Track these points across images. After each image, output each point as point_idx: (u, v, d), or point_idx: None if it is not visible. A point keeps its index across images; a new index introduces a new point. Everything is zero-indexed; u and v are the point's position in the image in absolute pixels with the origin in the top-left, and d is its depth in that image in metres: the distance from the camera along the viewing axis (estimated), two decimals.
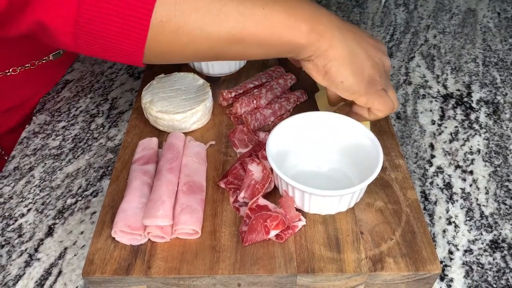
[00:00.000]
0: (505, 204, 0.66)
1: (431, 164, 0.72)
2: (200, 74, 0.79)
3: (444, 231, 0.63)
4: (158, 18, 0.44)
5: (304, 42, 0.50)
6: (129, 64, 0.49)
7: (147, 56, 0.47)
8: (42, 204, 0.65)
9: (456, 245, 0.61)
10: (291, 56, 0.53)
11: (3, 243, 0.61)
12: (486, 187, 0.68)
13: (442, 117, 0.80)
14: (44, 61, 0.77)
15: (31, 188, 0.68)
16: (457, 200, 0.67)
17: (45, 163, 0.71)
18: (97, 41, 0.45)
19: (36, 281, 0.57)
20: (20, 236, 0.62)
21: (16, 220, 0.64)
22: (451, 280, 0.58)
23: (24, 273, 0.58)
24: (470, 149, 0.74)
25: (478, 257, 0.60)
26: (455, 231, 0.63)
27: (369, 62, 0.54)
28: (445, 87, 0.86)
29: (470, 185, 0.69)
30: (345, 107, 0.63)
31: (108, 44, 0.45)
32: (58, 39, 0.44)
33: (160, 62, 0.53)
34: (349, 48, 0.52)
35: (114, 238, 0.54)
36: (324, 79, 0.54)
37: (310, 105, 0.74)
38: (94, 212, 0.64)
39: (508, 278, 0.58)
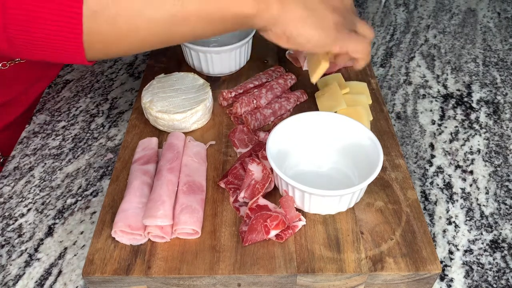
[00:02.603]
0: (505, 204, 0.66)
1: (431, 164, 0.72)
2: (200, 74, 0.79)
3: (444, 231, 0.63)
4: (90, 9, 0.41)
5: (253, 11, 0.48)
6: (75, 63, 0.46)
7: (89, 51, 0.44)
8: (42, 204, 0.65)
9: (456, 245, 0.61)
10: (245, 29, 0.51)
11: (3, 243, 0.61)
12: (486, 187, 0.68)
13: (442, 117, 0.80)
14: (17, 62, 0.74)
15: (31, 188, 0.68)
16: (457, 200, 0.67)
17: (45, 163, 0.71)
18: (33, 43, 0.42)
19: (36, 281, 0.57)
20: (20, 236, 0.62)
21: (16, 220, 0.64)
22: (451, 280, 0.58)
23: (24, 273, 0.58)
24: (470, 149, 0.74)
25: (478, 257, 0.60)
26: (455, 231, 0.63)
27: (327, 9, 0.51)
28: (445, 87, 0.86)
29: (470, 185, 0.69)
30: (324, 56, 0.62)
31: (44, 45, 0.42)
32: None
33: (106, 57, 0.49)
34: (303, 4, 0.50)
35: (114, 238, 0.54)
36: (289, 43, 0.52)
37: (310, 105, 0.74)
38: (94, 212, 0.64)
39: (508, 278, 0.58)
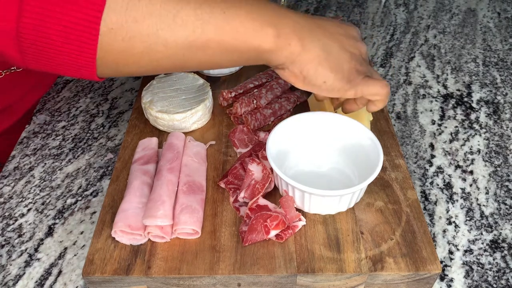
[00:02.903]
0: (505, 204, 0.66)
1: (431, 164, 0.72)
2: (200, 74, 0.79)
3: (444, 231, 0.63)
4: (108, 25, 0.40)
5: (272, 47, 0.47)
6: (84, 78, 0.45)
7: (100, 68, 0.43)
8: (42, 204, 0.65)
9: (456, 245, 0.61)
10: (262, 63, 0.50)
11: (3, 243, 0.61)
12: (486, 187, 0.68)
13: (442, 117, 0.80)
14: (12, 71, 0.72)
15: (31, 188, 0.68)
16: (457, 200, 0.67)
17: (45, 163, 0.71)
18: (44, 55, 0.41)
19: (36, 281, 0.57)
20: (20, 236, 0.62)
21: (16, 220, 0.64)
22: (451, 280, 0.58)
23: (24, 273, 0.58)
24: (470, 149, 0.74)
25: (478, 257, 0.60)
26: (455, 231, 0.63)
27: (345, 54, 0.51)
28: (445, 87, 0.86)
29: (470, 185, 0.69)
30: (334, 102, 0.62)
31: (56, 57, 0.41)
32: (5, 55, 0.41)
33: (116, 75, 0.48)
34: (322, 46, 0.49)
35: (114, 238, 0.54)
36: (304, 84, 0.51)
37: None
38: (94, 212, 0.64)
39: (508, 278, 0.58)
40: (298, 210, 0.57)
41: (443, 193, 0.68)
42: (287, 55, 0.48)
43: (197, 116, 0.67)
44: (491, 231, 0.63)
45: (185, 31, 0.43)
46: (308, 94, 0.74)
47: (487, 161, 0.72)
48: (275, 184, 0.59)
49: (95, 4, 0.39)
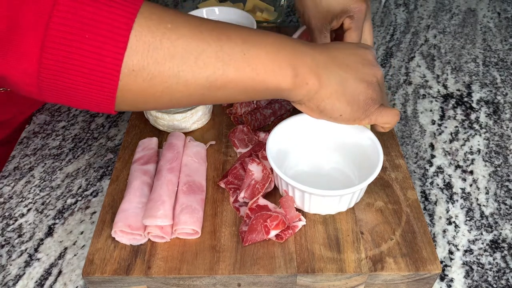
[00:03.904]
0: (505, 204, 0.66)
1: (431, 164, 0.72)
2: None
3: (444, 231, 0.63)
4: (129, 67, 0.40)
5: (290, 86, 0.48)
6: (100, 112, 0.45)
7: (118, 105, 0.43)
8: (42, 204, 0.65)
9: (456, 245, 0.61)
10: (280, 98, 0.51)
11: (3, 243, 0.61)
12: (486, 187, 0.68)
13: (442, 117, 0.80)
14: (9, 90, 0.70)
15: (31, 188, 0.68)
16: (457, 200, 0.67)
17: (45, 163, 0.71)
18: (64, 92, 0.41)
19: (36, 281, 0.57)
20: (20, 236, 0.62)
21: (16, 220, 0.64)
22: (451, 280, 0.58)
23: (24, 273, 0.58)
24: (470, 149, 0.74)
25: (478, 257, 0.60)
26: (455, 231, 0.63)
27: (361, 85, 0.52)
28: (445, 87, 0.86)
29: (470, 185, 0.69)
30: None
31: (75, 95, 0.42)
32: (23, 90, 0.41)
33: (133, 110, 0.50)
34: (339, 80, 0.50)
35: (114, 238, 0.54)
36: (321, 116, 0.53)
37: None
38: (94, 212, 0.64)
39: (508, 278, 0.58)
40: (298, 210, 0.57)
41: (443, 193, 0.68)
42: (305, 93, 0.49)
43: (197, 116, 0.67)
44: (491, 231, 0.63)
45: (206, 72, 0.44)
46: None
47: (487, 161, 0.72)
48: (275, 184, 0.59)
49: (117, 47, 0.39)
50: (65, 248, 0.60)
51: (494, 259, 0.60)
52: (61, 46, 0.38)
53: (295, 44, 0.49)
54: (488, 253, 0.60)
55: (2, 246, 0.61)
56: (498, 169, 0.71)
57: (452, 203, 0.66)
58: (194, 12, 0.82)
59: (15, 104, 0.76)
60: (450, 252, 0.60)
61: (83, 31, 0.38)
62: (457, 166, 0.72)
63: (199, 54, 0.43)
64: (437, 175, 0.70)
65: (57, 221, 0.63)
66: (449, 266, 0.59)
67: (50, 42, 0.38)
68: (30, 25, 0.37)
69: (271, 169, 0.58)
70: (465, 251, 0.61)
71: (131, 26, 0.39)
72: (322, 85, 0.50)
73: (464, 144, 0.75)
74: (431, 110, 0.81)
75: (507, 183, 0.69)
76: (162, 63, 0.41)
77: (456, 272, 0.58)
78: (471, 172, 0.71)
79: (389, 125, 0.56)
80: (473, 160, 0.73)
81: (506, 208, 0.66)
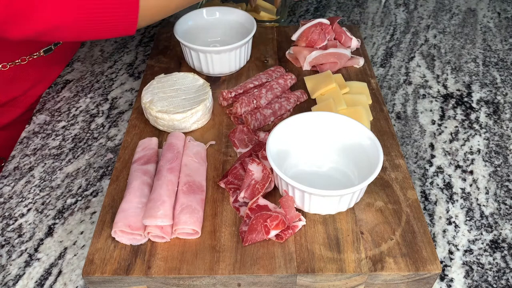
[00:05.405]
0: (505, 204, 0.66)
1: (431, 164, 0.72)
2: (200, 74, 0.79)
3: (444, 231, 0.63)
4: None
5: None
6: (123, 35, 0.60)
7: (139, 23, 0.59)
8: (42, 204, 0.65)
9: (456, 245, 0.61)
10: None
11: (3, 243, 0.61)
12: (486, 187, 0.68)
13: (442, 117, 0.80)
14: (35, 57, 0.79)
15: (31, 188, 0.68)
16: (457, 200, 0.67)
17: (45, 163, 0.71)
18: (92, 23, 0.56)
19: (36, 281, 0.57)
20: (20, 236, 0.62)
21: (16, 220, 0.64)
22: (451, 280, 0.58)
23: (24, 273, 0.58)
24: (470, 149, 0.74)
25: (478, 257, 0.60)
26: (455, 231, 0.63)
27: None
28: (445, 87, 0.86)
29: (470, 185, 0.69)
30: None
31: (102, 23, 0.57)
32: (59, 34, 0.56)
33: (146, 25, 0.64)
34: None
35: (114, 238, 0.54)
36: None
37: (310, 105, 0.74)
38: (94, 212, 0.64)
39: (508, 278, 0.58)
40: (298, 210, 0.57)
41: (443, 193, 0.68)
42: None
43: (197, 116, 0.67)
44: (491, 231, 0.63)
45: None
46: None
47: (487, 161, 0.72)
48: (275, 184, 0.59)
49: None
50: (65, 248, 0.60)
51: (494, 259, 0.60)
52: None
53: None
54: (488, 253, 0.60)
55: (2, 246, 0.61)
56: (498, 169, 0.71)
57: (452, 203, 0.66)
58: (195, 12, 0.82)
59: (24, 80, 0.81)
60: (450, 252, 0.60)
61: None
62: (457, 166, 0.72)
63: None
64: (437, 175, 0.70)
65: (57, 221, 0.63)
66: (449, 266, 0.59)
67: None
68: None
69: (271, 169, 0.58)
70: (465, 251, 0.61)
71: None
72: None
73: (464, 144, 0.75)
74: (431, 110, 0.81)
75: (507, 183, 0.69)
76: None
77: (456, 272, 0.58)
78: (471, 172, 0.71)
79: None
80: (473, 160, 0.73)
81: (506, 208, 0.66)
